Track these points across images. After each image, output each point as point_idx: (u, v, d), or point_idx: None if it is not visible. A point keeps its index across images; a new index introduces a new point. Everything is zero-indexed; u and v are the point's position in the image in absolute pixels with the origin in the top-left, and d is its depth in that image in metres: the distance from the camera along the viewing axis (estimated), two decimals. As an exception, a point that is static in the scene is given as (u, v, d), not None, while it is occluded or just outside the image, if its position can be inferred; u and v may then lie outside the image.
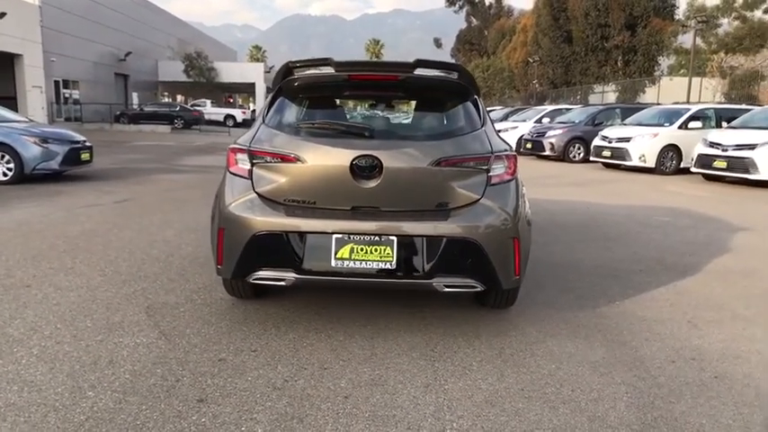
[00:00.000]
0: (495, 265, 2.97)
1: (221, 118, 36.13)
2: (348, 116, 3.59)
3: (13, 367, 2.67)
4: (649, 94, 32.25)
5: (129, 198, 7.91)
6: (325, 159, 2.97)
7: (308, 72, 3.33)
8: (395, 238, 2.91)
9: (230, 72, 41.61)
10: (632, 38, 34.56)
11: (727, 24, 28.61)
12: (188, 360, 2.79)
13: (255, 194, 3.03)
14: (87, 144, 9.94)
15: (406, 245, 2.92)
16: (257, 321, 3.32)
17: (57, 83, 29.97)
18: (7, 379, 2.56)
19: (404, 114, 3.51)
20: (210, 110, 36.56)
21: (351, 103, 3.65)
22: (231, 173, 3.19)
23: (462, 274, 2.97)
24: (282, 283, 2.98)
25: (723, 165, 11.29)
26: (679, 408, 2.46)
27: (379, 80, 3.31)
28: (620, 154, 13.91)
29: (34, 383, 2.52)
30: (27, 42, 25.71)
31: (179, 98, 46.92)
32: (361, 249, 2.91)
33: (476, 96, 3.40)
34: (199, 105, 36.56)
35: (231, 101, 51.27)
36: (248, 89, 46.06)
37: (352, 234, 2.91)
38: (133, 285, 3.95)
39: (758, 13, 27.43)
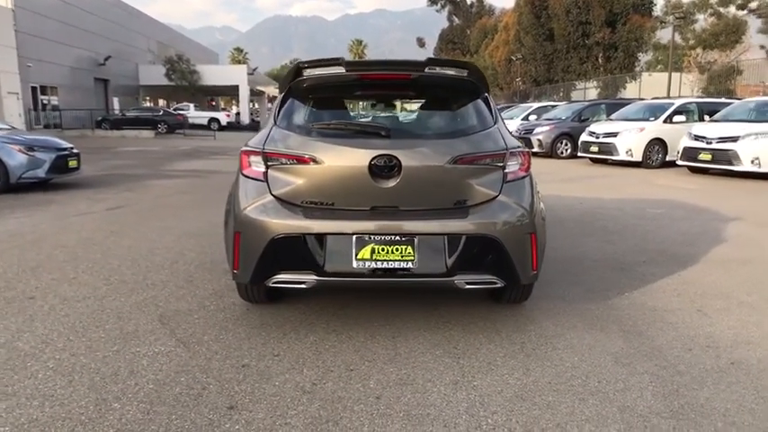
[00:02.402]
0: (514, 261, 2.99)
1: (205, 121, 35.81)
2: (360, 116, 3.59)
3: (30, 382, 2.61)
4: (630, 90, 32.68)
5: (122, 205, 7.80)
6: (344, 160, 2.96)
7: (317, 72, 3.31)
8: (416, 238, 2.91)
9: (213, 75, 41.23)
10: (613, 34, 35.00)
11: (703, 21, 29.10)
12: (211, 367, 2.76)
13: (272, 197, 3.01)
14: (75, 151, 9.77)
15: (427, 244, 2.93)
16: (275, 326, 3.30)
17: (34, 89, 29.41)
18: (26, 394, 2.50)
19: (416, 113, 3.50)
20: (194, 113, 36.22)
21: (362, 103, 3.64)
22: (245, 176, 3.16)
23: (483, 271, 2.98)
24: (303, 286, 2.97)
25: (708, 157, 11.49)
26: (703, 394, 2.50)
27: (390, 79, 3.30)
28: (607, 149, 14.08)
29: (55, 397, 2.47)
30: (0, 47, 25.21)
31: (161, 102, 46.40)
32: (382, 249, 2.91)
33: (486, 94, 3.42)
34: (182, 109, 36.19)
35: (213, 104, 50.83)
36: (231, 92, 45.71)
37: (373, 234, 2.91)
38: (141, 293, 3.90)
39: (732, 9, 27.93)
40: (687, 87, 28.63)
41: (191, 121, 33.14)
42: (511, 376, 2.67)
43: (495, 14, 56.51)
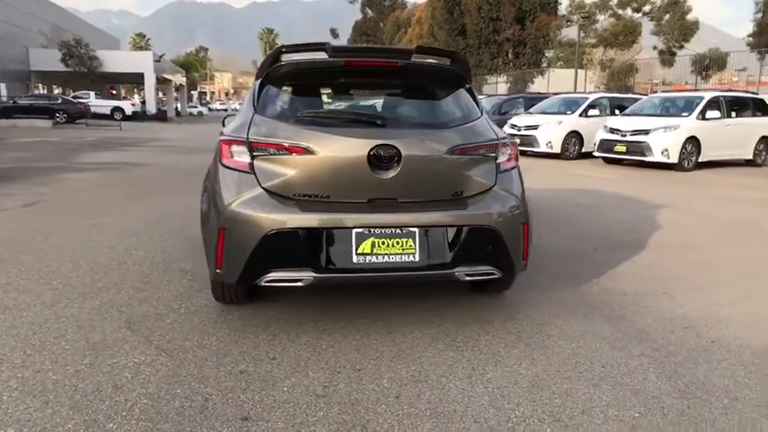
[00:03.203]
0: (510, 251, 3.00)
1: (108, 111, 33.35)
2: (346, 104, 3.44)
3: (-6, 405, 2.27)
4: (538, 85, 34.31)
5: (38, 201, 7.06)
6: (341, 150, 2.81)
7: (299, 57, 3.13)
8: (416, 230, 2.83)
9: (115, 61, 38.46)
10: (522, 31, 36.55)
11: (603, 21, 31.10)
12: (206, 376, 2.54)
13: (263, 190, 2.81)
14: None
15: (428, 236, 2.86)
16: (260, 327, 3.09)
17: None
18: (-8, 420, 2.17)
19: (406, 102, 3.40)
20: (95, 102, 33.60)
21: (347, 91, 3.48)
22: (226, 167, 2.93)
23: (482, 262, 2.96)
24: (299, 284, 2.80)
25: (623, 149, 12.30)
26: (700, 373, 2.63)
27: (376, 66, 3.18)
28: (528, 141, 14.67)
29: (33, 423, 2.16)
30: None
31: (56, 90, 42.65)
32: (383, 243, 2.80)
33: (469, 85, 3.39)
34: (81, 98, 33.47)
35: (114, 92, 47.46)
36: (135, 80, 42.86)
37: (374, 228, 2.79)
38: (96, 298, 3.53)
39: (629, 12, 30.08)
40: (590, 84, 30.49)
41: (92, 110, 30.75)
42: (519, 366, 2.68)
43: (408, 8, 57.20)
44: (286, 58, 3.13)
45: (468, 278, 2.94)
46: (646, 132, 11.97)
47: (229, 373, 2.57)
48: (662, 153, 11.63)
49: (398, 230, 2.82)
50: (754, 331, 3.13)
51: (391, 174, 2.83)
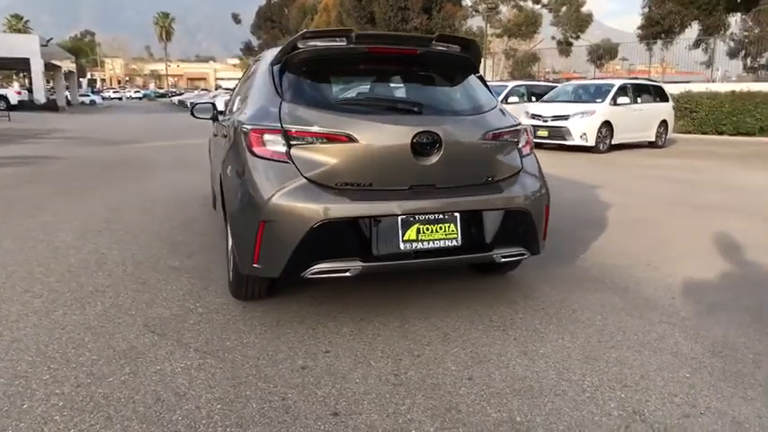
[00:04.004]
0: (538, 232, 3.13)
1: (-13, 100, 30.04)
2: (371, 91, 3.37)
3: (51, 428, 2.05)
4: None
5: (-44, 202, 6.29)
6: (384, 138, 2.78)
7: (321, 43, 3.05)
8: (458, 215, 2.88)
9: (-8, 45, 34.53)
10: (429, 21, 37.25)
11: (506, 12, 32.54)
12: (268, 375, 2.44)
13: (306, 180, 2.72)
14: None
15: (468, 220, 2.91)
16: (294, 321, 3.01)
17: None
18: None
19: (429, 89, 3.39)
20: (-29, 91, 30.09)
21: (369, 78, 3.41)
22: (259, 156, 2.80)
23: (515, 243, 3.06)
24: (347, 273, 2.75)
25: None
26: (719, 333, 2.91)
27: (398, 54, 3.17)
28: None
29: (98, 438, 1.98)
30: None
31: None
32: (427, 229, 2.82)
33: (480, 73, 3.47)
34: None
35: (-10, 80, 42.67)
36: (18, 65, 38.82)
37: (418, 214, 2.80)
38: (95, 303, 3.25)
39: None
40: (497, 72, 31.86)
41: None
42: (564, 341, 2.82)
43: (314, -6, 56.33)
44: (308, 44, 3.03)
45: (503, 260, 3.03)
46: (565, 118, 12.75)
47: (291, 369, 2.49)
48: (581, 137, 12.45)
49: (441, 216, 2.85)
50: (741, 293, 3.50)
51: (432, 160, 2.85)
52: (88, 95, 51.61)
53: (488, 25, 31.75)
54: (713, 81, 21.62)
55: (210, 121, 4.88)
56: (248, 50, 62.88)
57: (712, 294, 3.49)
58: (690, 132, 18.45)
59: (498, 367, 2.53)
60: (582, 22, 29.58)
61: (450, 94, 3.29)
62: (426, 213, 2.81)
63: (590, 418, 2.14)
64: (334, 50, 3.05)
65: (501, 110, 3.29)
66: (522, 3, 31.57)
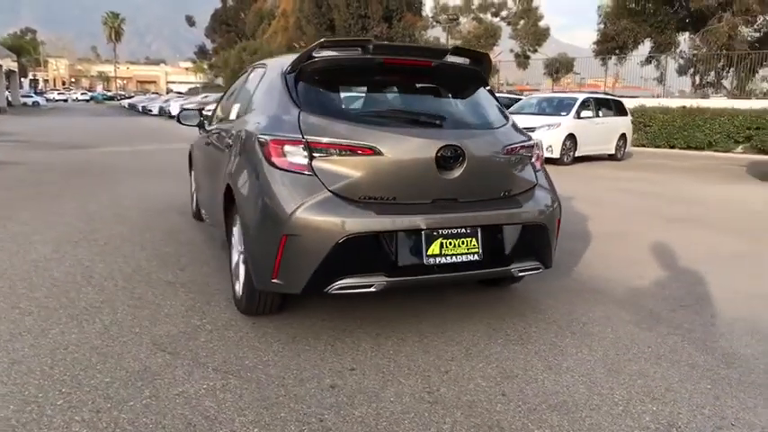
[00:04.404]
0: (552, 246, 3.17)
1: None
2: (386, 102, 3.32)
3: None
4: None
5: None
6: (409, 151, 2.76)
7: (334, 53, 3.01)
8: (479, 229, 2.88)
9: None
10: (389, 29, 37.48)
11: (466, 23, 33.15)
12: (299, 395, 2.36)
13: (330, 193, 2.65)
14: None
15: (489, 234, 2.92)
16: (310, 338, 2.93)
17: None
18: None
19: (445, 102, 3.38)
20: None
21: (384, 89, 3.37)
22: (279, 168, 2.72)
23: (531, 257, 3.09)
24: (371, 289, 2.70)
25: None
26: (724, 344, 3.01)
27: (412, 65, 3.15)
28: None
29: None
30: None
31: None
32: (450, 243, 2.81)
33: (489, 86, 3.50)
34: None
35: None
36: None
37: (442, 228, 2.78)
38: (93, 320, 3.07)
39: (489, 16, 32.42)
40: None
41: None
42: (583, 354, 2.85)
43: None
44: (323, 54, 2.98)
45: (520, 273, 3.05)
46: (532, 130, 13.02)
47: (320, 389, 2.42)
48: (547, 149, 12.74)
49: (463, 230, 2.84)
50: (735, 304, 3.63)
51: (455, 174, 2.84)
52: (31, 96, 49.29)
53: (449, 36, 32.24)
54: (658, 96, 22.72)
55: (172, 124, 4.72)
56: (202, 54, 61.62)
57: (708, 306, 3.61)
58: (644, 146, 19.18)
59: (528, 382, 2.53)
60: (539, 36, 30.50)
61: (467, 107, 3.30)
62: (450, 228, 2.80)
63: (632, 431, 2.17)
64: (351, 61, 3.02)
65: (513, 124, 3.32)
66: (481, 15, 32.23)
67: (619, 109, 14.88)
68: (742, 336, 3.13)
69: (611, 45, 23.81)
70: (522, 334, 3.07)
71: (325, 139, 2.71)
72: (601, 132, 13.85)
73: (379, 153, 2.71)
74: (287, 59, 3.37)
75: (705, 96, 22.04)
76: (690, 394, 2.47)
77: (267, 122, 2.95)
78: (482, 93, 3.40)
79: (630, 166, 13.21)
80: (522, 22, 31.10)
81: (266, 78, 3.35)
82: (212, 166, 4.06)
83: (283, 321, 3.12)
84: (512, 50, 32.86)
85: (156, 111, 34.91)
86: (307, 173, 2.69)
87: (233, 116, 3.91)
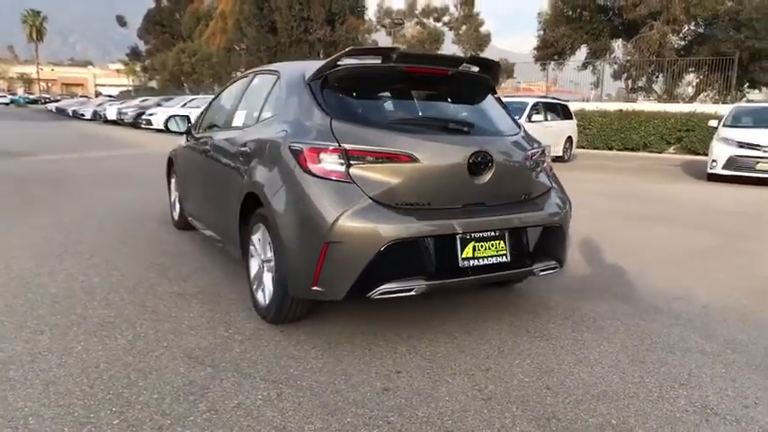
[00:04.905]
0: (566, 245, 3.34)
1: None
2: (417, 110, 3.37)
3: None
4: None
5: None
6: (443, 157, 2.85)
7: (356, 61, 3.06)
8: (506, 232, 3.00)
9: None
10: (332, 33, 37.46)
11: (409, 28, 33.58)
12: (356, 400, 2.39)
13: (371, 200, 2.70)
14: None
15: (515, 236, 3.04)
16: (344, 343, 2.96)
17: None
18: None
19: (463, 109, 3.47)
20: None
21: (405, 97, 3.42)
22: (316, 176, 2.75)
23: (550, 257, 3.24)
24: (411, 293, 2.77)
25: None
26: (723, 332, 3.27)
27: (431, 74, 3.25)
28: None
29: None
30: None
31: None
32: (481, 246, 2.91)
33: (497, 93, 3.64)
34: None
35: None
36: None
37: (475, 232, 2.88)
38: (115, 337, 2.97)
39: (432, 21, 32.97)
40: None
41: None
42: (604, 347, 3.02)
43: (208, 0, 54.44)
44: (347, 61, 3.03)
45: (541, 273, 3.20)
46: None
47: (374, 392, 2.46)
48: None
49: (492, 233, 2.95)
50: (720, 295, 3.94)
51: (484, 179, 2.95)
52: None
53: (393, 41, 32.57)
54: (586, 100, 23.93)
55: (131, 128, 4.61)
56: (135, 55, 59.29)
57: (698, 297, 3.89)
58: (584, 147, 20.11)
59: (566, 375, 2.67)
60: (481, 41, 31.34)
61: (486, 114, 3.41)
62: (482, 231, 2.90)
63: (672, 415, 2.34)
64: (374, 68, 3.08)
65: (525, 131, 3.47)
66: (425, 20, 32.75)
67: (565, 113, 15.55)
68: (736, 323, 3.41)
69: (551, 51, 24.81)
70: (542, 330, 3.22)
71: (362, 147, 2.76)
72: (550, 135, 14.39)
73: (416, 160, 2.79)
74: (302, 66, 3.39)
75: (632, 100, 23.46)
76: (710, 378, 2.69)
77: (295, 130, 2.96)
78: (492, 100, 3.54)
79: (578, 167, 13.84)
80: (464, 27, 31.81)
81: (283, 85, 3.34)
82: (214, 174, 3.99)
83: (312, 328, 3.13)
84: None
85: (89, 115, 33.32)
86: (346, 180, 2.73)
87: (238, 123, 3.87)
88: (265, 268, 3.16)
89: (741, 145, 10.34)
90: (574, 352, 2.94)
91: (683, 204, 8.04)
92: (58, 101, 54.91)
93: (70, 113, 38.19)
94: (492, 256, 2.95)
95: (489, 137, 3.16)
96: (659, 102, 21.92)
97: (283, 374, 2.60)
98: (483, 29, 31.50)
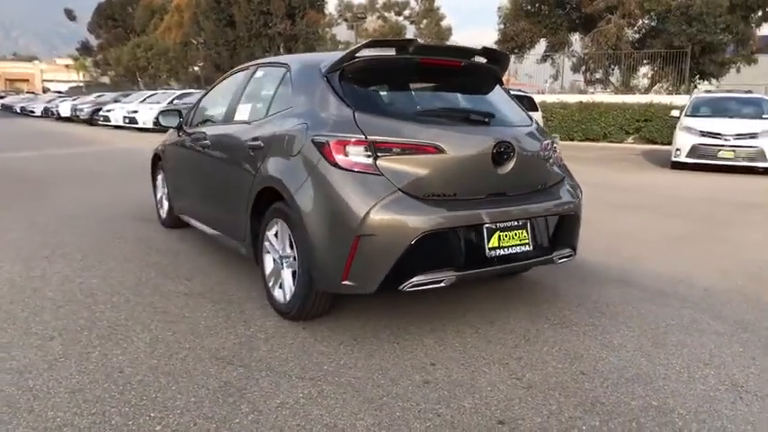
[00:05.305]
0: (579, 233, 3.40)
1: None
2: (437, 101, 3.33)
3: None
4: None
5: None
6: (468, 148, 2.85)
7: (372, 53, 3.02)
8: (528, 221, 3.02)
9: None
10: (293, 26, 36.98)
11: (371, 22, 33.52)
12: (400, 394, 2.37)
13: (401, 192, 2.67)
14: None
15: (536, 225, 3.07)
16: (370, 338, 2.92)
17: None
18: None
19: (479, 100, 3.45)
20: None
21: (420, 88, 3.38)
22: (343, 168, 2.70)
23: (566, 244, 3.28)
24: (441, 284, 2.76)
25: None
26: (729, 312, 3.38)
27: (445, 65, 3.23)
28: None
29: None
30: None
31: None
32: (506, 236, 2.93)
33: (503, 84, 3.66)
34: None
35: None
36: None
37: (500, 221, 2.89)
38: (131, 340, 2.86)
39: (393, 15, 33.03)
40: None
41: None
42: (624, 331, 3.09)
43: (162, -7, 52.81)
44: (365, 53, 2.98)
45: (560, 261, 3.24)
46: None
47: (415, 385, 2.44)
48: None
49: (515, 222, 2.97)
50: (717, 278, 4.08)
51: (507, 169, 2.96)
52: None
53: (356, 35, 32.43)
54: (542, 93, 24.44)
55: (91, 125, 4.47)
56: (86, 50, 57.06)
57: (697, 281, 4.01)
58: (548, 138, 20.57)
59: (596, 360, 2.72)
60: (442, 35, 31.56)
61: (500, 105, 3.41)
62: (506, 221, 2.92)
63: (707, 394, 2.42)
64: (390, 60, 3.04)
65: (536, 121, 3.50)
66: (386, 14, 32.76)
67: (531, 105, 15.80)
68: (740, 304, 3.54)
69: (511, 45, 25.15)
70: (561, 318, 3.26)
71: (389, 138, 2.72)
72: (519, 127, 14.67)
73: (442, 151, 2.77)
74: (314, 58, 3.33)
75: (585, 92, 24.14)
76: (731, 357, 2.78)
77: (316, 122, 2.90)
78: (501, 91, 3.56)
79: (548, 158, 14.14)
80: (425, 21, 31.98)
81: (296, 78, 3.27)
82: (217, 169, 3.88)
83: (335, 323, 3.08)
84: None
85: (39, 112, 31.92)
86: (375, 173, 2.69)
87: (243, 117, 3.76)
88: (284, 264, 3.09)
89: (703, 134, 10.74)
90: (596, 337, 3.00)
91: (655, 192, 8.31)
92: (2, 97, 52.31)
93: (18, 110, 36.48)
94: (516, 245, 2.96)
95: (508, 128, 3.18)
96: (616, 93, 22.55)
97: (318, 371, 2.55)
98: (444, 23, 31.71)
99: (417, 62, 3.09)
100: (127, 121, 20.58)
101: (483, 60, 3.37)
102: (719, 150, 10.52)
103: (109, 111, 22.07)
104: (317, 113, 2.96)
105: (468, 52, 3.28)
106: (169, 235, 5.06)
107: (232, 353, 2.72)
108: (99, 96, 28.23)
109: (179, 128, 4.70)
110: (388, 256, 2.63)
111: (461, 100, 3.46)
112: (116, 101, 24.30)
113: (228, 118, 3.95)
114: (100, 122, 22.70)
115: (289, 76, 3.37)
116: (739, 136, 10.38)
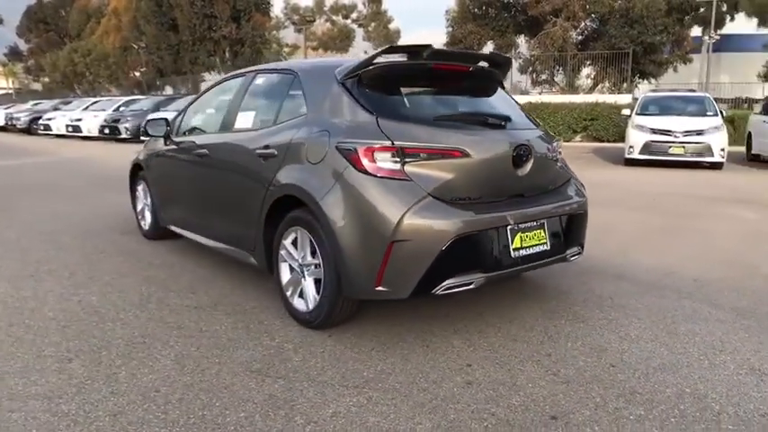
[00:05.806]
0: (585, 232, 3.52)
1: None
2: (451, 105, 3.35)
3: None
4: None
5: None
6: (492, 151, 2.91)
7: (389, 60, 3.05)
8: (545, 221, 3.11)
9: None
10: (239, 30, 36.32)
11: (319, 25, 33.37)
12: (448, 396, 2.40)
13: (431, 197, 2.70)
14: None
15: (551, 225, 3.16)
16: (399, 342, 2.94)
17: None
18: None
19: (487, 103, 3.50)
20: None
21: (433, 93, 3.40)
22: (372, 175, 2.70)
23: (575, 243, 3.40)
24: (471, 286, 2.80)
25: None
26: (726, 301, 3.58)
27: (455, 71, 3.29)
28: None
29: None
30: None
31: None
32: (527, 236, 3.01)
33: (505, 87, 3.75)
34: None
35: None
36: None
37: (522, 222, 2.97)
38: (156, 358, 2.76)
39: (341, 18, 32.99)
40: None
41: None
42: (636, 323, 3.22)
43: (98, -4, 50.72)
44: (381, 60, 3.01)
45: (572, 259, 3.35)
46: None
47: (458, 387, 2.48)
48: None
49: (533, 223, 3.05)
50: (702, 269, 4.31)
51: (525, 171, 3.04)
52: None
53: (305, 38, 32.19)
54: None
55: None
56: (16, 55, 54.07)
57: (685, 271, 4.23)
58: (501, 138, 21.07)
59: (620, 353, 2.84)
60: (391, 38, 31.76)
61: (509, 109, 3.49)
62: (527, 221, 3.00)
63: (732, 378, 2.57)
64: (404, 66, 3.08)
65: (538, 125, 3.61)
66: (334, 17, 32.67)
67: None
68: (730, 293, 3.76)
69: (460, 47, 25.66)
70: (573, 313, 3.38)
71: (416, 144, 2.75)
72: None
73: (467, 155, 2.82)
74: (326, 64, 3.33)
75: (525, 93, 24.97)
76: (741, 343, 2.96)
77: (338, 129, 2.88)
78: (504, 94, 3.64)
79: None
80: (373, 24, 32.12)
81: (307, 85, 3.24)
82: (220, 179, 3.79)
83: (359, 330, 3.07)
84: (366, 52, 33.83)
85: (-32, 121, 29.96)
86: (404, 178, 2.70)
87: (245, 125, 3.69)
88: (305, 272, 3.06)
89: (654, 131, 11.29)
90: (613, 331, 3.12)
91: (619, 188, 8.67)
92: None
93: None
94: (536, 245, 3.05)
95: (522, 131, 3.26)
96: (562, 94, 23.37)
97: (360, 379, 2.55)
98: (392, 26, 31.96)
99: (430, 67, 3.13)
100: (70, 129, 19.69)
101: (486, 64, 3.46)
102: (670, 147, 11.08)
103: (50, 119, 21.03)
104: (338, 120, 2.95)
105: (474, 57, 3.35)
106: (157, 247, 4.89)
107: (265, 365, 2.68)
108: (36, 104, 26.84)
109: (166, 137, 4.55)
110: (421, 261, 2.66)
111: (478, 104, 3.51)
112: (56, 109, 23.18)
113: (227, 126, 3.86)
114: (40, 131, 21.60)
115: (297, 82, 3.34)
116: (688, 132, 10.97)
